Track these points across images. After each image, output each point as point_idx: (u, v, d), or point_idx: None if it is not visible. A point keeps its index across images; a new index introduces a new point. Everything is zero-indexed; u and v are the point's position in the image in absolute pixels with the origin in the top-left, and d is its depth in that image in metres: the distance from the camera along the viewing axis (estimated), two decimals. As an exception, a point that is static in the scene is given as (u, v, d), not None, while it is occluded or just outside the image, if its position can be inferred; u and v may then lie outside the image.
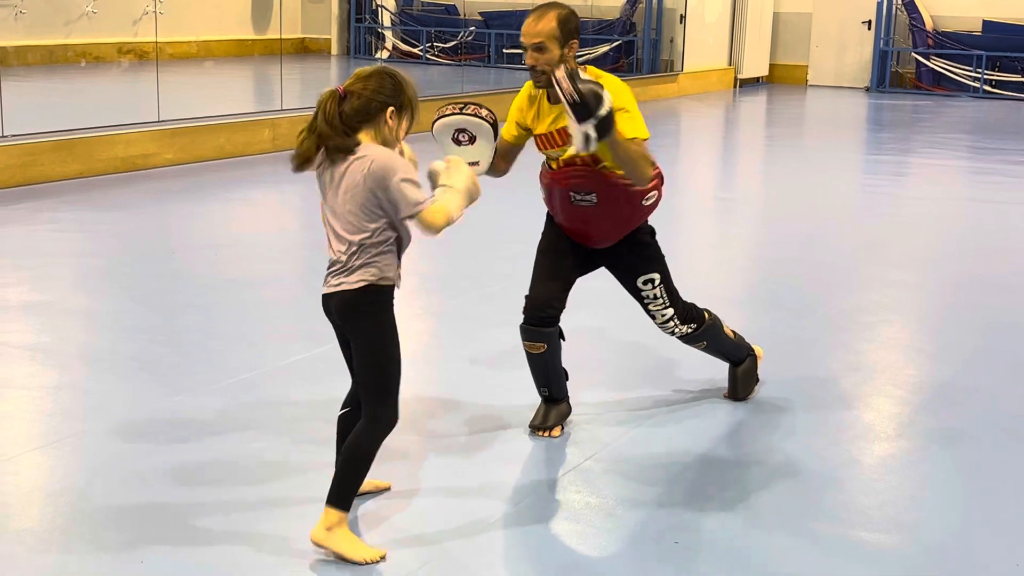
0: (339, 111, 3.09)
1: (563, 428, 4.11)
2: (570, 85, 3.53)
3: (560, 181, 3.96)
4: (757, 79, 18.57)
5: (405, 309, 5.66)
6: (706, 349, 4.37)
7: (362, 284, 3.11)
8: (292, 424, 4.10)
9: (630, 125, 3.80)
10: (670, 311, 4.16)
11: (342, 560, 3.13)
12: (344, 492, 3.16)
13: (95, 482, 3.64)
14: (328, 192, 3.14)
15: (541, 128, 3.96)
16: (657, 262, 4.13)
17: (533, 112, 3.98)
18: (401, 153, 3.22)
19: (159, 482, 3.63)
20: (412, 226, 3.15)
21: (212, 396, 4.36)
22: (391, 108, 3.12)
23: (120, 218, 7.52)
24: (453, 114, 3.86)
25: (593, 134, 3.58)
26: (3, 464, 3.75)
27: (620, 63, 16.78)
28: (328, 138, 3.09)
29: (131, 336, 5.12)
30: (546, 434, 4.05)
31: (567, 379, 4.16)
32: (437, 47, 17.96)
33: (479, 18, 17.68)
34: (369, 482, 3.46)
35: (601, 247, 4.10)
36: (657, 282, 4.12)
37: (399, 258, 3.18)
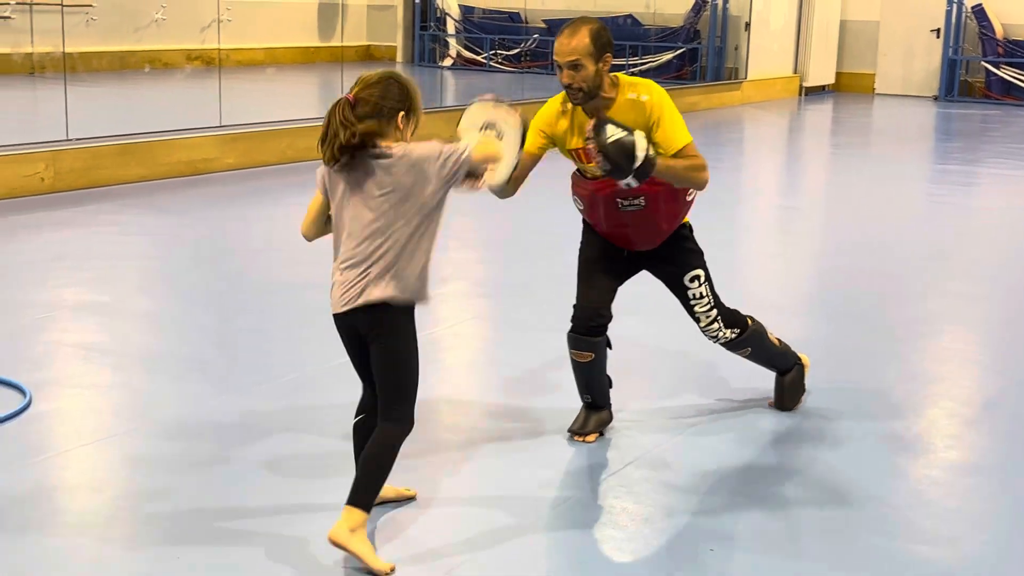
0: (355, 118, 3.08)
1: (601, 434, 4.09)
2: (598, 155, 3.61)
3: (603, 189, 3.92)
4: (823, 87, 18.39)
5: (454, 313, 5.73)
6: (750, 356, 4.32)
7: (387, 298, 3.12)
8: (334, 426, 4.12)
9: (672, 135, 3.81)
10: (715, 312, 4.13)
11: (360, 562, 3.11)
12: (367, 493, 3.16)
13: (139, 479, 3.69)
14: (353, 195, 3.12)
15: (577, 143, 3.92)
16: (700, 258, 4.12)
17: (566, 125, 3.93)
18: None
19: (202, 480, 3.67)
20: (469, 185, 3.21)
21: (258, 397, 4.40)
22: (401, 113, 3.14)
23: (180, 222, 7.62)
24: (486, 101, 3.69)
25: (635, 183, 3.67)
26: (53, 459, 3.82)
27: (684, 71, 16.72)
28: (350, 141, 3.07)
29: (184, 337, 5.18)
30: (582, 439, 4.04)
31: (610, 387, 4.14)
32: (500, 54, 18.01)
33: (543, 25, 17.70)
34: (394, 490, 3.47)
35: (646, 249, 4.07)
36: (703, 279, 4.10)
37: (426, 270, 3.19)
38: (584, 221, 4.13)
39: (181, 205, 8.08)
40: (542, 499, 3.61)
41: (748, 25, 16.66)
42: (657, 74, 16.58)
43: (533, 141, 3.91)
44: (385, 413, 3.20)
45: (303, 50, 18.32)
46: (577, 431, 4.06)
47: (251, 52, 17.36)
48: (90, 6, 14.88)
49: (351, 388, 4.54)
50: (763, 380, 4.52)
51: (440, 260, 5.50)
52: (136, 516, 3.44)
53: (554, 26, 17.48)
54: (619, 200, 3.91)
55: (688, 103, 15.38)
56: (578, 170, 4.03)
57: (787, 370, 4.42)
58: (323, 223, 3.28)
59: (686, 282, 4.09)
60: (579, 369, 4.07)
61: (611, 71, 3.85)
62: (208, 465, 3.79)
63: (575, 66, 3.76)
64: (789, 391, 4.42)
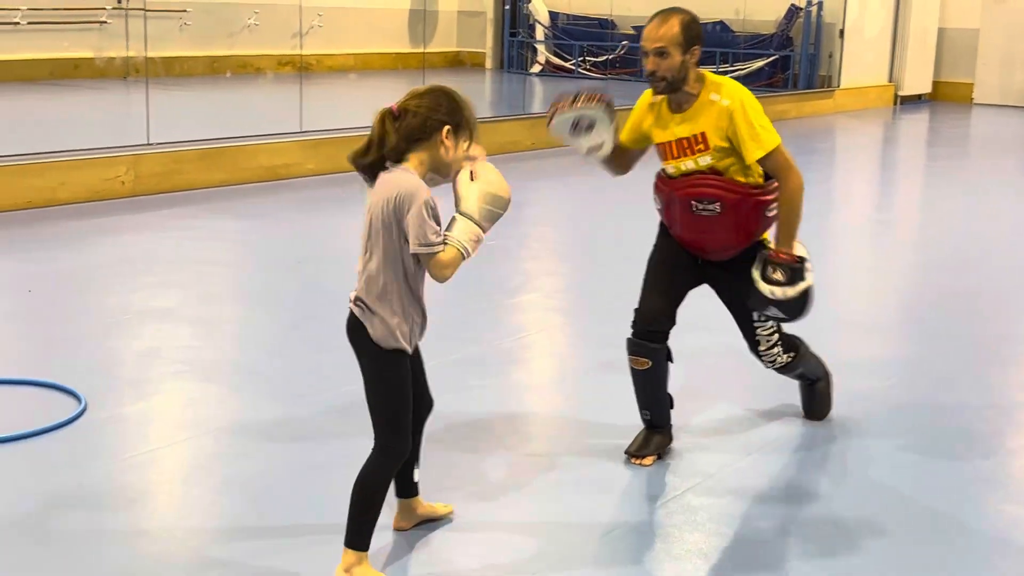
0: (394, 129, 2.97)
1: (660, 457, 3.94)
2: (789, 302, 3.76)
3: (680, 190, 3.84)
4: (919, 96, 17.94)
5: (522, 325, 5.60)
6: (798, 376, 4.22)
7: (378, 341, 3.00)
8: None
9: (755, 143, 3.74)
10: (776, 336, 3.99)
11: None
12: (360, 530, 3.01)
13: (191, 489, 3.64)
14: (367, 206, 3.02)
15: (662, 136, 3.85)
16: None
17: (652, 119, 3.87)
18: (463, 175, 3.06)
19: (248, 487, 3.61)
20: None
21: (310, 407, 4.33)
22: (447, 127, 2.98)
23: (255, 227, 7.62)
24: (564, 111, 3.78)
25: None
26: (106, 466, 3.78)
27: (776, 78, 16.42)
28: (373, 156, 2.98)
29: (242, 345, 5.15)
30: (639, 462, 3.89)
31: (671, 407, 3.99)
32: (589, 61, 17.86)
33: (631, 32, 17.52)
34: (429, 507, 3.37)
35: (717, 259, 3.94)
36: None
37: (417, 304, 3.03)
38: (660, 224, 4.04)
39: (259, 210, 8.09)
40: (593, 525, 3.47)
41: (842, 32, 16.32)
42: (748, 81, 16.30)
43: (626, 135, 3.95)
44: (376, 443, 3.08)
45: (393, 56, 18.37)
46: (635, 453, 3.91)
47: (342, 58, 17.45)
48: (184, 11, 15.06)
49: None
50: (837, 400, 4.34)
51: (511, 270, 5.46)
52: (188, 520, 3.39)
53: (644, 33, 17.31)
54: (694, 203, 3.82)
55: (778, 111, 15.10)
56: (662, 168, 3.95)
57: (817, 379, 4.30)
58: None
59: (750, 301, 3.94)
60: (638, 379, 3.94)
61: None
62: (255, 474, 3.73)
63: (661, 53, 3.69)
64: (821, 400, 4.32)
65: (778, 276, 3.77)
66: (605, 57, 17.37)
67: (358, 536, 3.01)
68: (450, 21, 19.27)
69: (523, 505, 3.60)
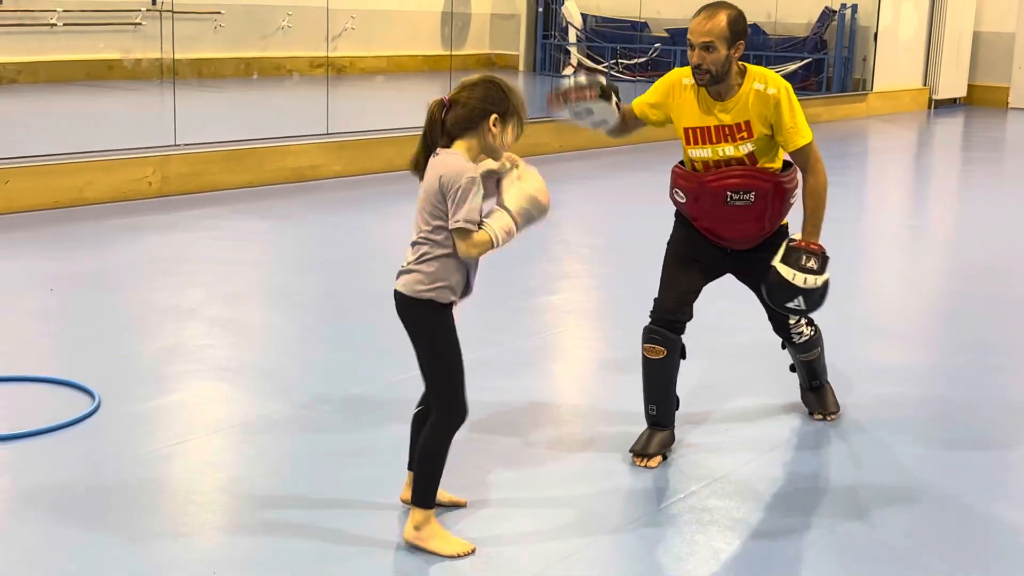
0: (442, 119, 3.15)
1: (665, 457, 3.93)
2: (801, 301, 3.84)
3: (715, 182, 3.87)
4: (954, 100, 17.79)
5: (548, 325, 5.60)
6: (814, 361, 4.23)
7: (415, 294, 3.16)
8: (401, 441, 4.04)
9: (795, 133, 3.84)
10: None
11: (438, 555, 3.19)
12: (424, 490, 3.23)
13: (202, 486, 3.66)
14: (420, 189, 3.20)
15: (700, 121, 3.88)
16: None
17: (683, 102, 3.90)
18: (510, 167, 3.22)
19: (259, 486, 3.63)
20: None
21: (321, 407, 4.34)
22: (494, 115, 3.14)
23: (280, 228, 7.66)
24: (559, 111, 3.87)
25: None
26: (117, 463, 3.81)
27: (809, 80, 16.33)
28: (423, 146, 3.19)
29: (261, 344, 5.18)
30: (643, 463, 3.88)
31: (677, 408, 3.99)
32: (621, 63, 17.83)
33: (665, 34, 17.47)
34: (447, 496, 3.47)
35: (743, 248, 3.99)
36: None
37: (466, 273, 3.19)
38: (676, 215, 4.07)
39: (283, 211, 8.13)
40: (601, 524, 3.47)
41: (876, 35, 16.21)
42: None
43: (641, 106, 3.96)
44: (433, 410, 3.26)
45: (426, 58, 18.41)
46: (639, 452, 3.91)
47: (374, 60, 17.50)
48: (218, 13, 15.16)
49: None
50: (851, 399, 4.32)
51: (531, 272, 5.45)
52: (196, 523, 3.41)
53: (676, 36, 17.25)
54: (729, 194, 3.86)
55: (811, 114, 14.89)
56: (681, 162, 3.99)
57: (822, 385, 4.36)
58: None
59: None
60: (649, 369, 3.94)
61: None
62: (273, 475, 3.75)
63: (708, 47, 3.75)
64: (830, 397, 4.38)
65: (812, 264, 3.84)
66: (637, 60, 17.32)
67: (425, 496, 3.23)
68: (483, 23, 19.29)
69: (530, 503, 3.60)
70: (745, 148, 3.86)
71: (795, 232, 3.99)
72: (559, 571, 3.19)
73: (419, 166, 3.20)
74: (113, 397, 4.33)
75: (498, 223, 3.14)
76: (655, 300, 3.97)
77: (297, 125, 9.81)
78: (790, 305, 3.89)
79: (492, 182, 3.23)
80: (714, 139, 3.87)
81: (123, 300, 5.75)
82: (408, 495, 3.38)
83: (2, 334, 5.14)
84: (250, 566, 3.19)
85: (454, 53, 18.40)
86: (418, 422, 3.40)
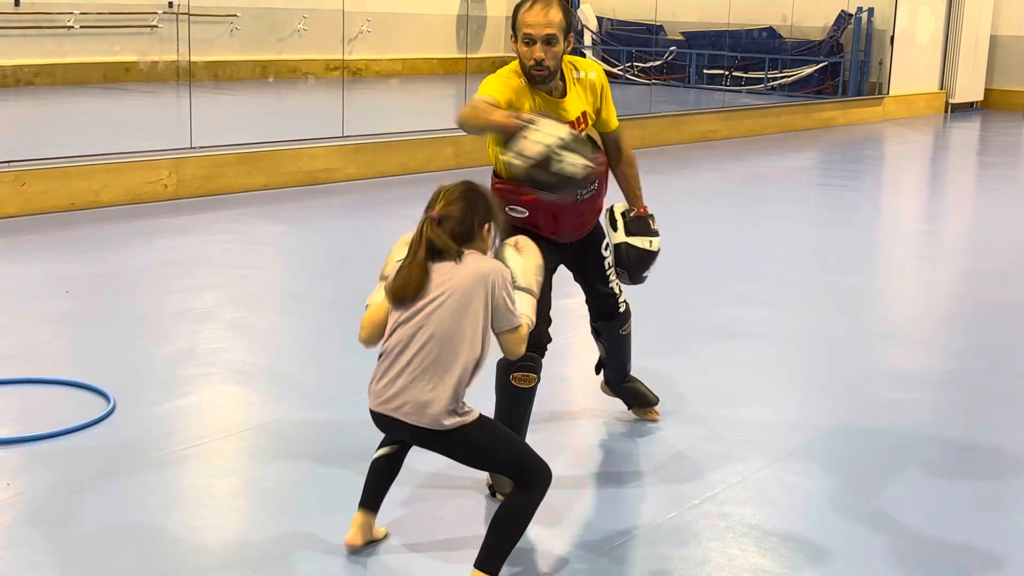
0: (441, 233, 3.05)
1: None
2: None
3: None
4: (971, 104, 17.72)
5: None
6: (624, 341, 4.14)
7: (452, 424, 3.02)
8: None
9: (614, 113, 3.89)
10: (616, 279, 4.06)
11: None
12: (499, 557, 3.04)
13: (214, 490, 3.66)
14: (423, 310, 3.03)
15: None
16: None
17: (523, 105, 3.63)
18: (509, 249, 3.27)
19: (273, 490, 3.63)
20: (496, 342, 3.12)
21: (335, 411, 4.34)
22: (487, 225, 3.12)
23: (294, 231, 7.66)
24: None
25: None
26: (133, 466, 3.82)
27: (825, 84, 16.29)
28: (440, 257, 3.05)
29: (275, 348, 5.18)
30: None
31: None
32: (636, 67, 17.82)
33: (680, 38, 17.46)
34: (380, 530, 3.34)
35: (575, 240, 3.90)
36: (608, 245, 4.03)
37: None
38: (512, 227, 3.69)
39: (298, 214, 8.14)
40: (612, 528, 3.46)
41: (892, 39, 16.16)
42: (797, 88, 16.20)
43: (496, 96, 3.61)
44: (518, 485, 3.10)
45: (442, 61, 18.43)
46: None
47: (389, 63, 17.52)
48: (235, 16, 15.19)
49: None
50: (865, 404, 4.29)
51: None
52: (208, 526, 3.41)
53: (692, 39, 17.24)
54: (579, 191, 3.69)
55: (825, 118, 14.99)
56: (495, 174, 3.76)
57: (632, 378, 4.28)
58: None
59: (604, 252, 4.00)
60: (517, 400, 3.65)
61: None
62: (286, 479, 3.75)
63: (550, 40, 3.59)
64: (645, 391, 4.30)
65: (656, 226, 3.93)
66: (653, 63, 17.31)
67: (493, 561, 3.04)
68: (498, 26, 19.30)
69: (543, 506, 3.58)
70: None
71: (613, 205, 4.03)
72: (571, 573, 3.19)
73: (419, 289, 3.02)
74: (128, 400, 4.34)
75: (528, 308, 3.16)
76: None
77: (312, 128, 9.83)
78: (646, 274, 3.94)
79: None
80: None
81: (138, 303, 5.76)
82: (355, 538, 3.24)
83: (17, 336, 5.16)
84: (264, 569, 3.19)
85: (469, 56, 18.41)
86: (385, 466, 3.28)
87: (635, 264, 3.92)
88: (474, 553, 3.05)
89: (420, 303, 3.03)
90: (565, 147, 3.34)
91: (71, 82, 13.58)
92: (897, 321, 6.08)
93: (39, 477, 3.71)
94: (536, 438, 4.07)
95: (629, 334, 4.18)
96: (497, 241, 3.19)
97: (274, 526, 3.43)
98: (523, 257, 3.22)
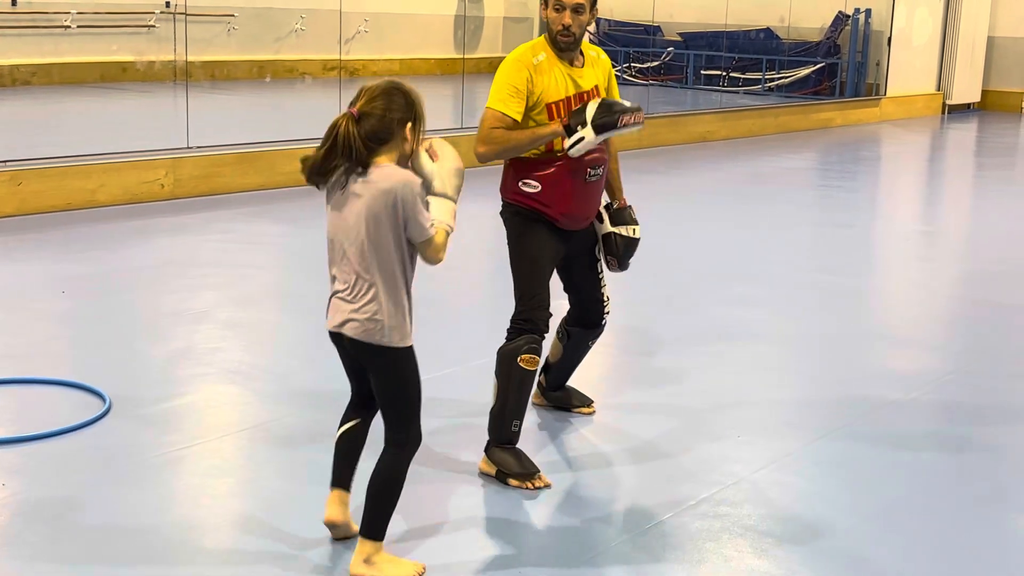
0: (358, 133, 2.98)
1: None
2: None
3: (575, 161, 3.80)
4: (967, 105, 17.74)
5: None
6: (586, 350, 4.25)
7: (377, 321, 3.02)
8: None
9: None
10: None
11: None
12: (379, 522, 3.10)
13: (210, 490, 3.66)
14: (341, 213, 3.04)
15: (559, 94, 3.80)
16: None
17: (545, 79, 3.78)
18: (423, 156, 3.11)
19: (267, 490, 3.63)
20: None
21: (330, 412, 4.32)
22: (408, 124, 3.04)
23: (290, 231, 7.66)
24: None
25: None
26: (128, 466, 3.81)
27: (823, 85, 16.30)
28: (347, 159, 2.99)
29: (272, 348, 5.18)
30: (539, 482, 3.71)
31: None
32: (634, 67, 17.82)
33: (678, 38, 17.46)
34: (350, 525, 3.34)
35: (581, 228, 3.96)
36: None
37: (408, 295, 3.08)
38: (513, 216, 3.88)
39: (294, 214, 8.13)
40: (608, 528, 3.46)
41: (890, 40, 16.17)
42: (794, 88, 16.21)
43: (516, 107, 3.74)
44: (391, 439, 3.13)
45: (439, 61, 18.43)
46: (527, 474, 3.71)
47: (387, 63, 17.51)
48: (232, 16, 15.18)
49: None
50: (863, 405, 4.29)
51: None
52: (204, 526, 3.41)
53: (690, 39, 17.24)
54: (589, 171, 3.84)
55: (823, 119, 14.99)
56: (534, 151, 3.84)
57: (563, 386, 4.38)
58: None
59: (598, 254, 4.08)
60: (524, 381, 3.75)
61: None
62: (281, 479, 3.74)
63: (578, 9, 3.78)
64: (577, 393, 4.41)
65: (635, 215, 4.03)
66: (650, 63, 17.31)
67: (379, 527, 3.10)
68: (496, 26, 19.30)
69: (536, 506, 3.59)
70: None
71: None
72: (568, 572, 3.18)
73: (324, 174, 3.02)
74: (124, 400, 4.33)
75: (445, 213, 3.06)
76: (525, 307, 3.78)
77: (309, 128, 9.78)
78: (630, 260, 4.05)
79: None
80: (563, 111, 3.79)
81: (134, 302, 5.75)
82: (335, 515, 3.27)
83: (13, 336, 5.15)
84: (261, 568, 3.18)
85: (467, 56, 18.42)
86: (349, 442, 3.30)
87: (623, 251, 4.01)
88: (469, 539, 3.15)
89: (341, 229, 3.02)
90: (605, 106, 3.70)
91: (68, 82, 13.56)
92: (894, 322, 6.08)
93: (35, 477, 3.71)
94: (528, 436, 4.08)
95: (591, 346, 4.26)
96: (419, 143, 3.08)
97: (271, 526, 3.42)
98: (439, 162, 3.10)
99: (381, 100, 3.01)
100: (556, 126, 3.71)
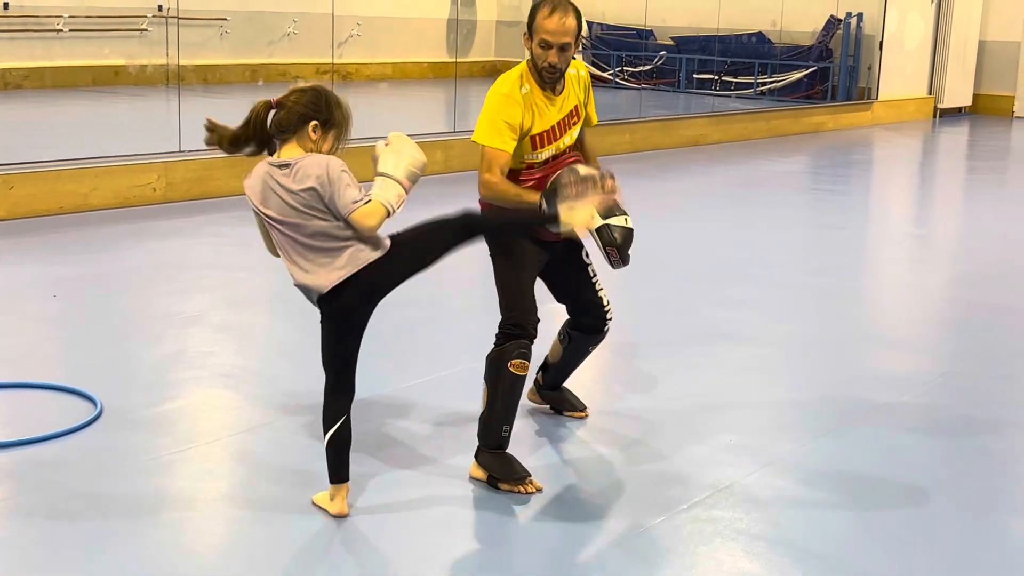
0: (267, 121, 3.27)
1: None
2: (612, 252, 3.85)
3: (551, 170, 3.87)
4: (959, 109, 17.78)
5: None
6: (586, 354, 4.24)
7: (361, 250, 3.28)
8: (407, 444, 4.04)
9: (594, 109, 4.05)
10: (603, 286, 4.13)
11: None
12: (345, 469, 3.47)
13: (202, 494, 3.65)
14: (275, 208, 3.28)
15: (544, 125, 3.84)
16: None
17: (533, 111, 3.81)
18: (379, 144, 3.39)
19: (259, 495, 3.62)
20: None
21: (319, 415, 4.32)
22: (314, 123, 3.24)
23: (283, 234, 7.64)
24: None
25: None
26: (120, 471, 3.80)
27: (814, 89, 16.33)
28: (246, 142, 3.30)
29: (264, 352, 5.17)
30: (531, 487, 3.70)
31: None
32: (627, 71, 17.84)
33: (671, 42, 17.48)
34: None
35: (563, 242, 3.95)
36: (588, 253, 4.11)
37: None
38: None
39: (287, 218, 8.12)
40: (601, 533, 3.46)
41: (881, 44, 16.20)
42: (786, 92, 16.23)
43: (508, 143, 3.79)
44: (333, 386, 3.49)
45: (432, 65, 18.43)
46: (518, 479, 3.69)
47: (379, 67, 17.51)
48: (224, 19, 15.17)
49: (413, 408, 4.44)
50: (855, 408, 4.29)
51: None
52: (197, 530, 3.40)
53: (682, 44, 17.26)
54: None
55: (815, 123, 15.01)
56: (521, 163, 3.89)
57: (559, 387, 4.38)
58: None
59: (584, 259, 4.07)
60: (514, 387, 3.73)
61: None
62: (273, 484, 3.74)
63: (565, 48, 3.75)
64: (572, 398, 4.40)
65: (624, 208, 3.95)
66: (643, 67, 17.33)
67: (346, 472, 3.46)
68: (488, 30, 19.31)
69: (530, 510, 3.59)
70: (576, 132, 3.96)
71: None
72: (561, 581, 3.18)
73: (234, 145, 3.32)
74: (115, 404, 4.32)
75: (384, 191, 3.25)
76: (513, 312, 3.76)
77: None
78: (630, 251, 3.96)
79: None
80: (558, 135, 3.87)
81: (126, 306, 5.75)
82: (345, 507, 3.47)
83: (5, 340, 5.14)
84: (253, 573, 3.17)
85: (459, 60, 18.42)
86: (339, 441, 3.46)
87: (622, 241, 3.86)
88: (460, 544, 3.20)
89: (281, 223, 3.26)
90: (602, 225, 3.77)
91: (60, 85, 13.54)
92: (887, 324, 6.09)
93: (26, 482, 3.70)
94: (520, 440, 4.08)
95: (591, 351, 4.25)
96: (338, 149, 3.32)
97: (263, 530, 3.42)
98: (390, 148, 3.34)
99: (296, 95, 3.27)
100: (535, 198, 3.75)
